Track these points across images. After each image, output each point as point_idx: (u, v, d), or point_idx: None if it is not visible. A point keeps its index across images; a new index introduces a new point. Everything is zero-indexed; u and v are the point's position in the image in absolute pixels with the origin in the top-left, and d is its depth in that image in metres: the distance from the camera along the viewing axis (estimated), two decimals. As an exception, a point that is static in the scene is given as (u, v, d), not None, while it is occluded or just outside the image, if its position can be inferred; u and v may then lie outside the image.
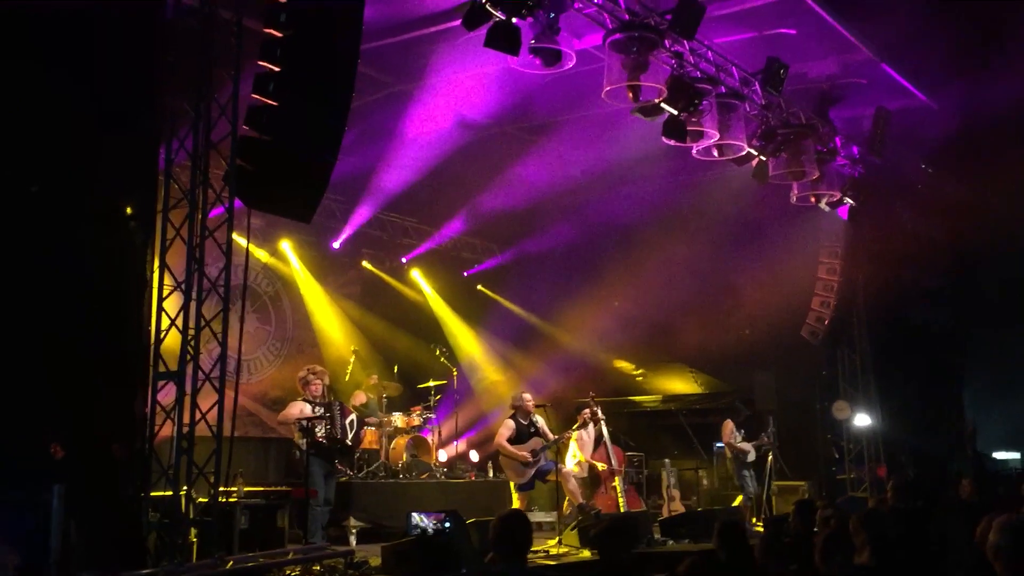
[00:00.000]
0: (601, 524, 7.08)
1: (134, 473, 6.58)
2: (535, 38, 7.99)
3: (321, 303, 13.64)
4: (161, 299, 7.04)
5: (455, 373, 12.97)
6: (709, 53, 9.43)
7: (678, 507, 12.46)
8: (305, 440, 9.01)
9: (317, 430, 9.27)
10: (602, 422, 11.27)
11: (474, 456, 12.91)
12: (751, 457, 12.20)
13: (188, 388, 6.85)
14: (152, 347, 6.90)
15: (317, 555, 7.76)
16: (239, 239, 7.85)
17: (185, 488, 6.75)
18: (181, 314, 6.99)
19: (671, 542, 9.60)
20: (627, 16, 8.46)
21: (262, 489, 9.26)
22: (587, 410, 11.10)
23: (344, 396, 11.24)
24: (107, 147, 6.57)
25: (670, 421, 15.02)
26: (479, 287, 16.11)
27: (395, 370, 12.83)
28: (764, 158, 10.67)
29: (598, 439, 11.34)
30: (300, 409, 9.39)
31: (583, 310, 15.16)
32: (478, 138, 12.49)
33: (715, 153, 10.25)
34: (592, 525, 8.33)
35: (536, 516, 11.25)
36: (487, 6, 7.57)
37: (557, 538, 9.21)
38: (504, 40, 7.70)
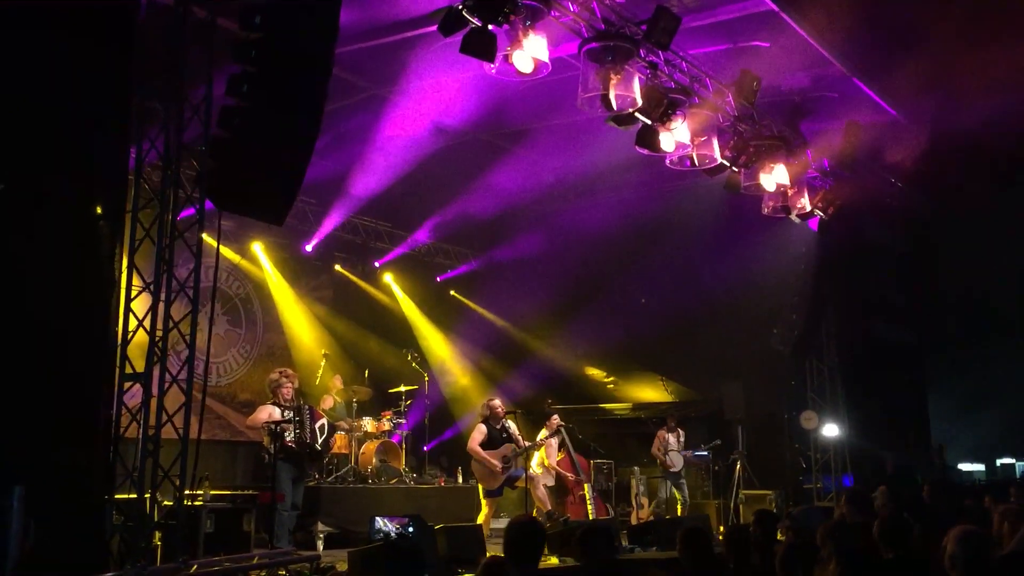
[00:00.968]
0: (584, 526, 7.11)
1: (98, 475, 6.50)
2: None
3: (292, 306, 13.59)
4: (129, 300, 6.97)
5: (426, 378, 12.97)
6: (684, 64, 9.51)
7: (646, 515, 12.52)
8: (273, 444, 8.96)
9: (286, 434, 9.21)
10: (562, 429, 11.30)
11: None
12: (676, 467, 12.27)
13: (155, 390, 6.80)
14: (119, 348, 6.84)
15: (283, 560, 7.72)
16: (210, 240, 7.80)
17: (150, 491, 6.69)
18: (149, 315, 6.94)
19: (638, 549, 9.63)
20: (603, 25, 8.51)
21: (229, 493, 9.20)
22: (555, 416, 11.15)
23: (314, 400, 11.19)
24: (77, 146, 6.50)
25: (640, 429, 15.05)
26: (452, 292, 16.12)
27: (366, 374, 12.79)
28: (736, 169, 10.76)
29: (560, 446, 11.39)
30: (269, 413, 9.33)
31: (555, 317, 15.21)
32: (453, 144, 12.51)
33: (688, 163, 10.33)
34: (574, 528, 8.33)
35: (503, 523, 11.24)
36: (463, 12, 7.58)
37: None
38: (480, 47, 7.71)
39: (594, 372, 16.14)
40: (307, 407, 9.77)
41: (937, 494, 8.39)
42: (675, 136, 9.60)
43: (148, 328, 6.91)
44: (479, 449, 10.42)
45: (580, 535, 5.22)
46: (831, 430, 14.33)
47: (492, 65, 7.97)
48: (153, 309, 6.94)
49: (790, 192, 11.39)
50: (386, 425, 11.74)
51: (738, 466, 12.64)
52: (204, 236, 7.43)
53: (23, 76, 6.31)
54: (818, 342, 14.43)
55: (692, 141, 9.91)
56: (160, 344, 6.92)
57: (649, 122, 9.29)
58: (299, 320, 13.62)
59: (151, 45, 7.07)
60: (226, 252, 12.36)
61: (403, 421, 12.09)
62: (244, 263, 12.90)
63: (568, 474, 11.31)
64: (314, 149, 6.88)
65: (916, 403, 16.70)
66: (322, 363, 12.51)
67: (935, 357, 17.50)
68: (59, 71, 6.41)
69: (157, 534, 6.89)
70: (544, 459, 11.15)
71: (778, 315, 13.63)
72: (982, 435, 19.27)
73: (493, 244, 15.71)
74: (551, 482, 11.18)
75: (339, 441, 11.18)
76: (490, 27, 7.68)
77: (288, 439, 9.22)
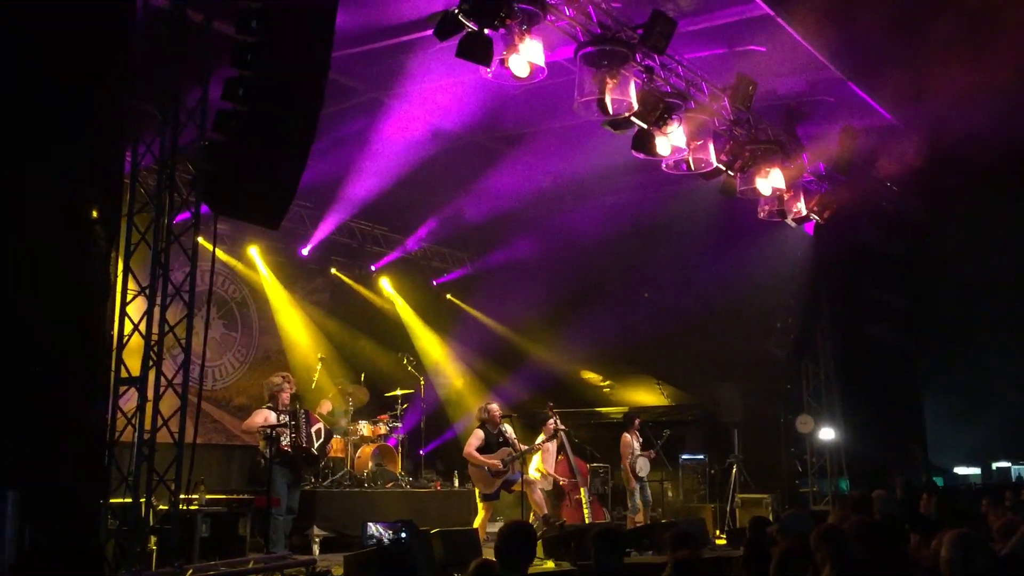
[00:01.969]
0: (597, 528, 7.09)
1: (93, 480, 6.48)
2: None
3: (288, 310, 13.57)
4: (125, 304, 6.97)
5: (422, 382, 12.95)
6: (680, 68, 9.53)
7: (642, 519, 12.48)
8: (269, 449, 8.94)
9: (282, 439, 9.20)
10: (562, 433, 11.28)
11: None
12: (643, 472, 12.18)
13: (150, 394, 6.79)
14: (114, 352, 6.83)
15: (279, 564, 7.71)
16: (205, 244, 7.80)
17: (145, 495, 6.68)
18: (145, 319, 6.93)
19: (635, 553, 9.62)
20: (599, 30, 8.53)
21: (224, 497, 9.17)
22: (551, 421, 11.13)
23: (310, 404, 11.17)
24: (72, 149, 6.48)
25: (636, 433, 15.05)
26: (448, 296, 16.11)
27: (362, 378, 12.78)
28: (732, 173, 10.78)
29: (559, 450, 11.37)
30: (264, 417, 9.31)
31: (551, 320, 15.20)
32: (449, 147, 12.51)
33: (684, 167, 10.35)
34: (588, 528, 8.31)
35: (499, 527, 11.21)
36: (460, 17, 7.59)
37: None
38: (476, 51, 7.72)
39: (590, 376, 16.14)
40: (303, 411, 9.76)
41: (937, 502, 8.39)
42: (671, 140, 9.62)
43: (144, 332, 6.91)
44: (476, 454, 10.39)
45: (593, 536, 5.21)
46: (827, 434, 14.35)
47: (488, 69, 7.98)
48: (149, 313, 6.94)
49: (786, 196, 11.41)
50: (382, 429, 11.73)
51: (734, 470, 12.63)
52: (200, 240, 7.43)
53: (17, 78, 6.29)
54: (814, 346, 14.46)
55: (688, 145, 9.93)
56: (156, 348, 6.91)
57: (645, 126, 9.30)
58: (295, 324, 13.60)
59: (147, 48, 7.07)
60: (222, 256, 12.34)
61: (399, 425, 12.07)
62: (240, 267, 12.88)
63: (563, 479, 11.28)
64: (310, 153, 6.88)
65: (912, 407, 16.73)
66: (318, 367, 12.50)
67: (931, 361, 17.54)
68: (54, 74, 6.40)
69: (152, 539, 6.89)
70: (540, 467, 11.13)
71: (774, 319, 13.65)
72: (978, 439, 19.27)
73: (489, 248, 15.69)
74: (548, 486, 11.17)
75: (335, 445, 11.16)
76: (486, 31, 7.70)
77: (284, 443, 9.20)
